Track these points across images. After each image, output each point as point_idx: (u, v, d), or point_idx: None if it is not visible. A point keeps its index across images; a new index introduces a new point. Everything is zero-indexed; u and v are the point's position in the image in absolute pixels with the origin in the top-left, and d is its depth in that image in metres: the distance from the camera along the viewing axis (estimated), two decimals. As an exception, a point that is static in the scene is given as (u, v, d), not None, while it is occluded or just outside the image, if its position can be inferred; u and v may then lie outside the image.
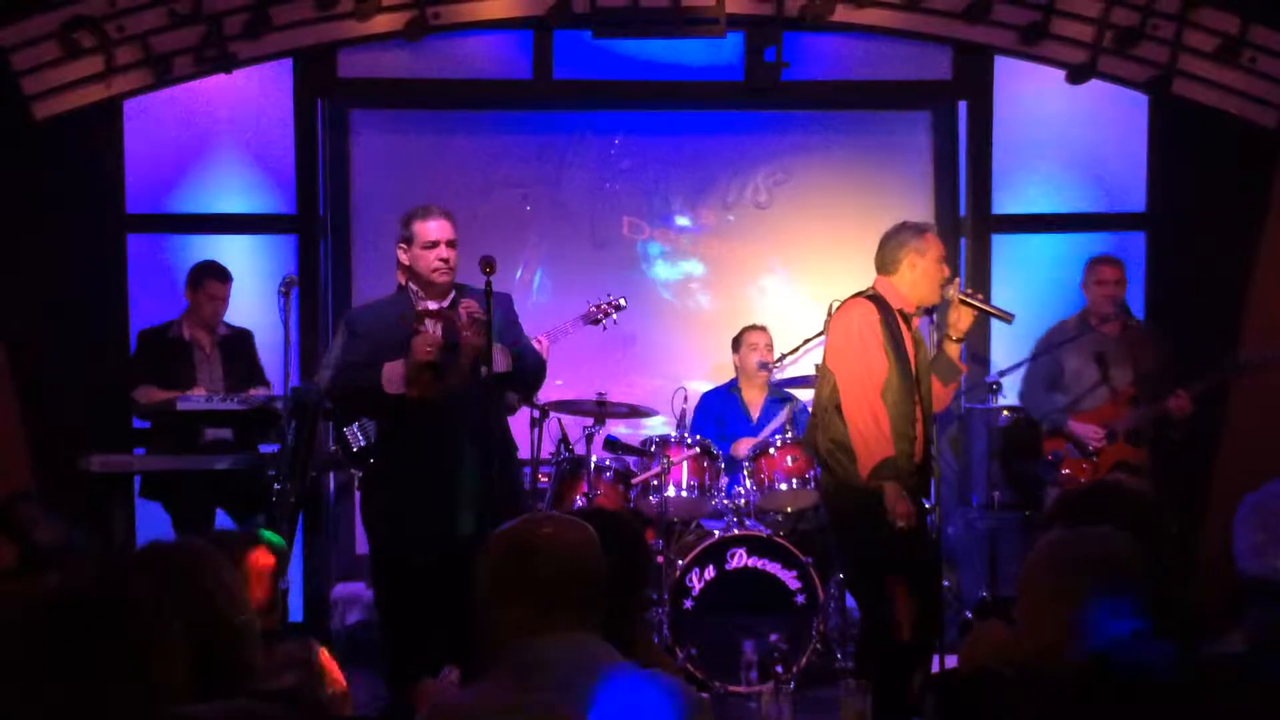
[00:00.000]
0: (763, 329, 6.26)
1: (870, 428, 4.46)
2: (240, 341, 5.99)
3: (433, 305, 4.54)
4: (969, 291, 4.76)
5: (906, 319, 4.67)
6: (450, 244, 4.55)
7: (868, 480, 4.47)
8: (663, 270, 6.88)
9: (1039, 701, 2.09)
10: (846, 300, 4.72)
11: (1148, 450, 5.86)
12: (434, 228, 4.53)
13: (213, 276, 5.86)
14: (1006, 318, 4.77)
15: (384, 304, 4.75)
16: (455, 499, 4.45)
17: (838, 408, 4.56)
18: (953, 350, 4.76)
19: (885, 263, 4.69)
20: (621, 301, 5.54)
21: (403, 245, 4.58)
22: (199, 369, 5.80)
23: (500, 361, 4.44)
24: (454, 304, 4.54)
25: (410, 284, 4.61)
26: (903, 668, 4.50)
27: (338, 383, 4.68)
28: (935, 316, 4.88)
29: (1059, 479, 5.80)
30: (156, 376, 5.74)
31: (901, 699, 4.45)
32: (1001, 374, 5.82)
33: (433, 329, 4.46)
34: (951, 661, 5.46)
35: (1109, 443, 5.78)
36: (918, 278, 4.64)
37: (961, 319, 4.70)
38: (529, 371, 4.63)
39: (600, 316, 5.64)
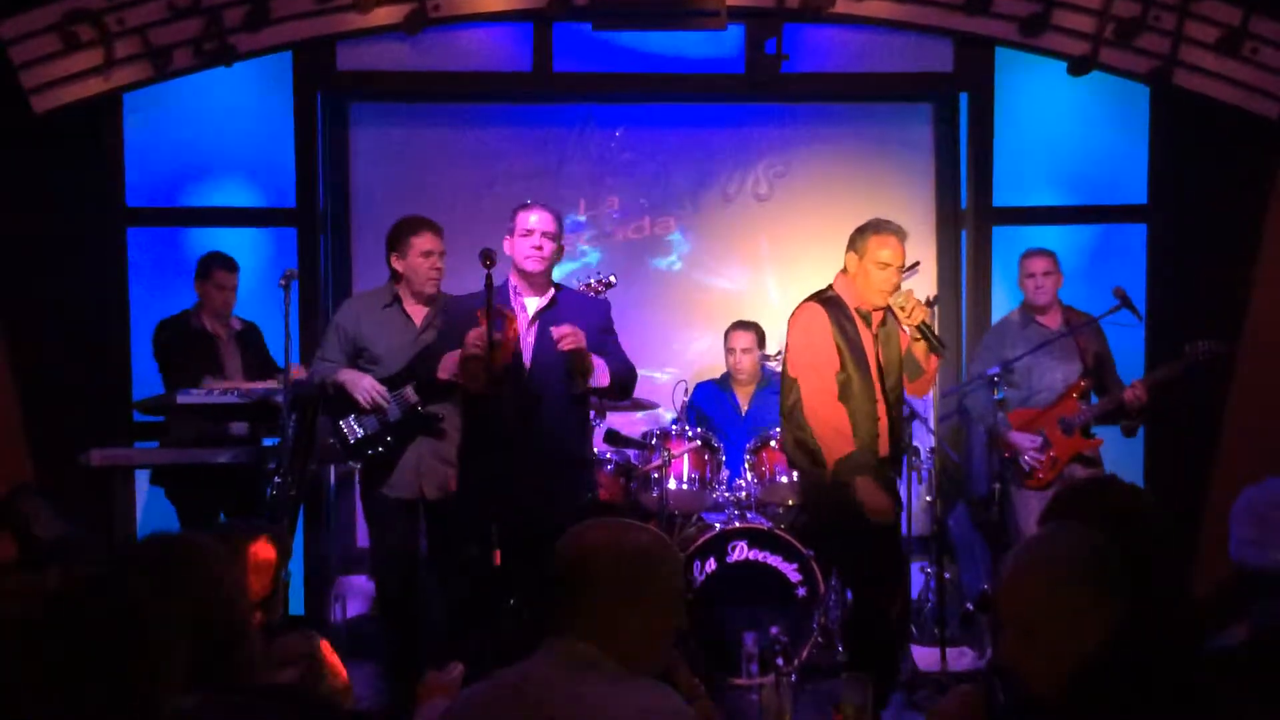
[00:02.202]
0: (746, 328, 6.23)
1: (828, 428, 4.58)
2: (251, 334, 6.00)
3: (533, 300, 4.66)
4: (908, 304, 4.69)
5: (865, 316, 4.71)
6: (546, 235, 4.62)
7: (834, 478, 4.56)
8: (662, 262, 6.87)
9: (1042, 710, 2.07)
10: (799, 305, 4.80)
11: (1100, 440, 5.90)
12: (532, 218, 4.63)
13: (220, 266, 5.85)
14: (937, 345, 4.73)
15: (479, 295, 4.78)
16: (503, 496, 4.47)
17: (797, 409, 4.66)
18: (917, 348, 4.77)
19: (845, 261, 4.78)
20: (612, 279, 5.53)
21: (507, 235, 4.68)
22: (225, 360, 5.80)
23: (600, 377, 4.54)
24: (553, 302, 4.62)
25: (510, 277, 4.69)
26: (889, 650, 4.67)
27: (418, 370, 4.85)
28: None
29: (1016, 476, 5.79)
30: (186, 367, 5.70)
31: (891, 681, 4.57)
32: (1004, 365, 5.82)
33: (492, 325, 4.49)
34: (953, 654, 5.48)
35: (1065, 435, 5.77)
36: (856, 277, 4.71)
37: (909, 321, 4.72)
38: (618, 383, 4.66)
39: (590, 295, 5.63)
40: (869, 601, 4.69)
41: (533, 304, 4.69)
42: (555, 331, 4.44)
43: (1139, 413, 5.84)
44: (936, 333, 4.76)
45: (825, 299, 4.72)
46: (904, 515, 5.88)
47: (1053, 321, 5.92)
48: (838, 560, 5.07)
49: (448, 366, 4.56)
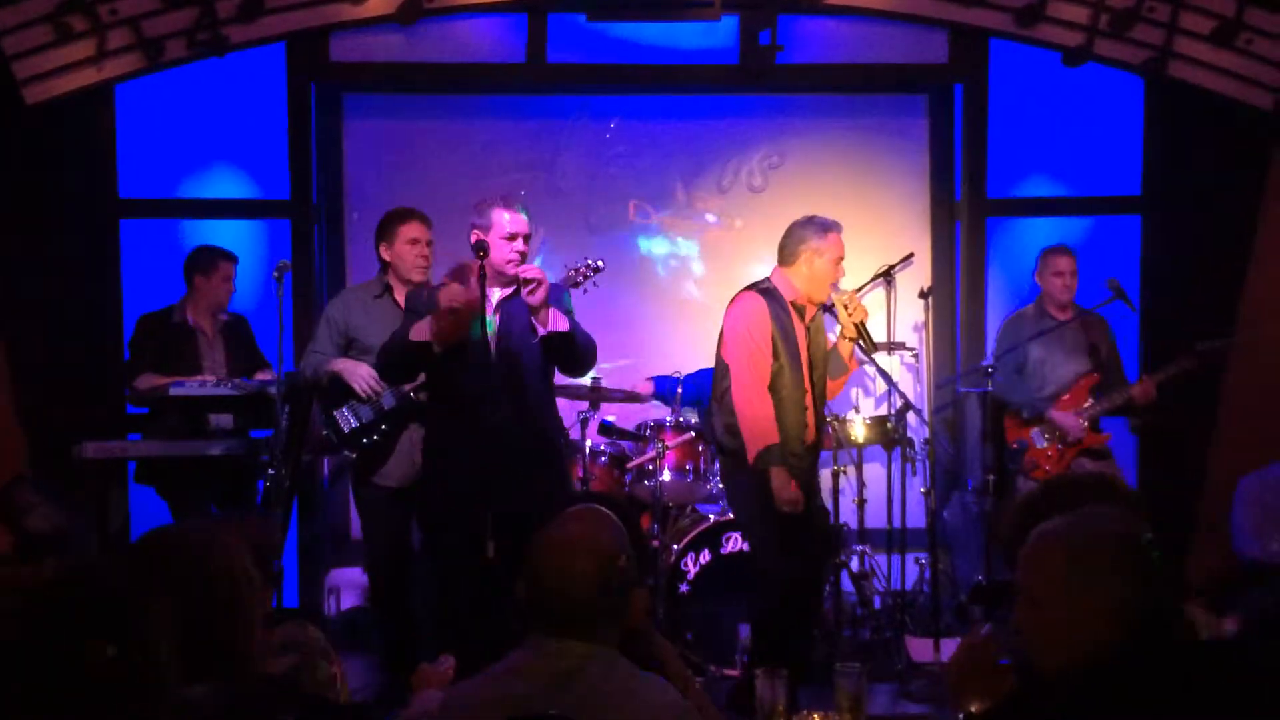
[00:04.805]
0: None
1: (755, 417, 4.69)
2: (239, 327, 5.96)
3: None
4: (851, 304, 4.84)
5: (800, 310, 4.84)
6: (526, 238, 4.64)
7: (753, 465, 4.69)
8: (657, 254, 6.86)
9: (1056, 699, 2.06)
10: (738, 294, 4.91)
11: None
12: (508, 218, 4.60)
13: (225, 258, 5.81)
14: (871, 345, 4.94)
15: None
16: (477, 483, 4.46)
17: (728, 396, 4.77)
18: (844, 348, 4.94)
19: (784, 254, 4.89)
20: (600, 263, 5.51)
21: (478, 227, 4.61)
22: (204, 356, 5.76)
23: (556, 321, 4.51)
24: (516, 290, 4.58)
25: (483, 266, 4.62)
26: (795, 638, 4.74)
27: (382, 354, 4.73)
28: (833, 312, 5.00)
29: (1023, 466, 5.84)
30: (160, 363, 5.66)
31: (799, 671, 4.58)
32: (998, 358, 5.83)
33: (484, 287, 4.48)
34: (947, 645, 5.48)
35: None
36: (812, 274, 4.82)
37: (849, 319, 4.84)
38: (578, 343, 4.64)
39: (579, 279, 5.62)
40: (774, 592, 4.78)
41: (497, 293, 4.68)
42: (524, 272, 4.46)
43: (1148, 409, 5.89)
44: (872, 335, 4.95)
45: (764, 290, 4.84)
46: (870, 509, 5.98)
47: (1068, 317, 6.00)
48: (750, 546, 5.15)
49: (421, 328, 4.52)
